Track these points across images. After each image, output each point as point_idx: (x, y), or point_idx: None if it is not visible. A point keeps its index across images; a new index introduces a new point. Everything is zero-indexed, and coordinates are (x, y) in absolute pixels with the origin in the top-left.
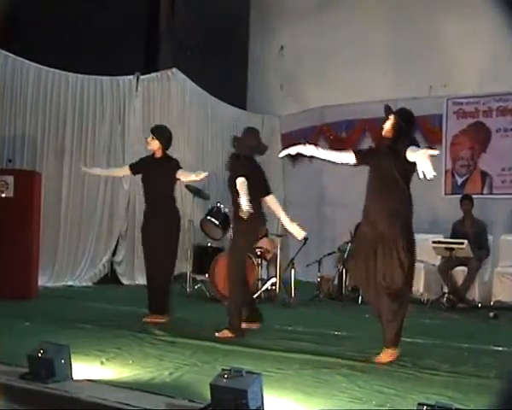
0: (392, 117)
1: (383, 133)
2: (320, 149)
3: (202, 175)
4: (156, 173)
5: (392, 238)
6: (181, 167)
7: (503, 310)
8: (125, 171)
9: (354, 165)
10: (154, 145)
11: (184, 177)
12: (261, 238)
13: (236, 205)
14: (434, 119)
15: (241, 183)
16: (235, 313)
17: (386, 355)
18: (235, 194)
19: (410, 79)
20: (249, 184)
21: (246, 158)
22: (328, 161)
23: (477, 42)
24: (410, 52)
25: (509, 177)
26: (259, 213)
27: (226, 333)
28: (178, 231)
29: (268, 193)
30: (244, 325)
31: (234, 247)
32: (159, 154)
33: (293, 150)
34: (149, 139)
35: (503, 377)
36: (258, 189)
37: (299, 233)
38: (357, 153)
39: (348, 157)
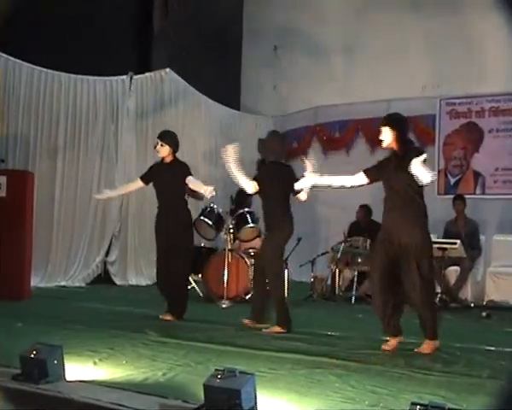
0: (389, 128)
1: (384, 145)
2: (331, 177)
3: (210, 193)
4: (168, 178)
5: (413, 251)
6: (191, 174)
7: (496, 310)
8: (138, 184)
9: (368, 183)
10: (164, 151)
11: (193, 185)
12: (254, 239)
13: (268, 208)
14: (427, 119)
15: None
16: (282, 308)
17: (429, 346)
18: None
19: (403, 80)
20: (269, 186)
21: (270, 162)
22: (341, 186)
23: (469, 42)
24: (403, 52)
25: (501, 177)
26: (288, 214)
27: (277, 329)
28: (192, 232)
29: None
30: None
31: (271, 247)
32: (169, 159)
33: (306, 184)
34: (158, 147)
35: (503, 377)
36: (285, 190)
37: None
38: (368, 172)
39: (360, 179)
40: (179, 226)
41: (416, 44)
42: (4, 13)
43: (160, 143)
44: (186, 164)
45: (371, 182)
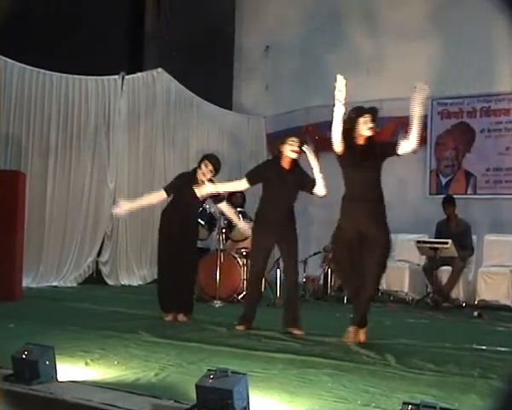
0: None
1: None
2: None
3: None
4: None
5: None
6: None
7: (487, 309)
8: (162, 196)
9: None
10: (209, 174)
11: (226, 212)
12: (246, 239)
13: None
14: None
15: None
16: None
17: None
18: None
19: (394, 80)
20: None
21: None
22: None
23: (461, 43)
24: (395, 52)
25: (492, 177)
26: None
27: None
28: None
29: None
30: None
31: (295, 250)
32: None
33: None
34: (208, 170)
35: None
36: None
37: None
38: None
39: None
40: (190, 227)
41: (408, 44)
42: None
43: (211, 168)
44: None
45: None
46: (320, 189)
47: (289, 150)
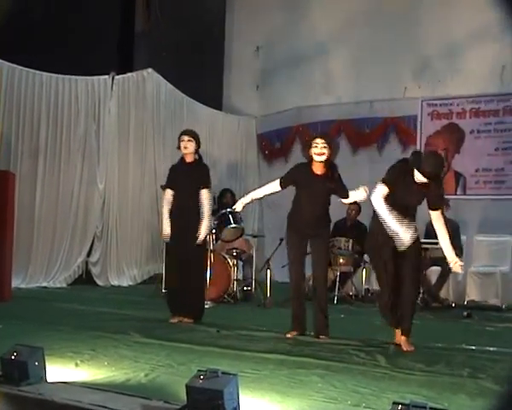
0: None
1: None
2: None
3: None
4: (188, 181)
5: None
6: (208, 183)
7: (477, 309)
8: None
9: None
10: (191, 147)
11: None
12: (237, 239)
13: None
14: (409, 120)
15: None
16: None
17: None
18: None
19: (384, 81)
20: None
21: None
22: None
23: (450, 44)
24: (385, 53)
25: (482, 178)
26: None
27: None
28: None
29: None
30: None
31: (324, 253)
32: (191, 158)
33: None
34: (186, 142)
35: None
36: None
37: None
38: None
39: None
40: (196, 226)
41: (398, 46)
42: None
43: (187, 138)
44: (206, 168)
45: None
46: (353, 198)
47: (315, 154)
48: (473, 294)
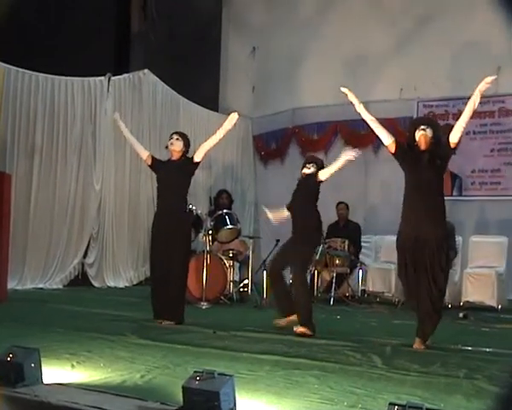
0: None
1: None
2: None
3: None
4: (173, 177)
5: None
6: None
7: (473, 310)
8: (145, 154)
9: (392, 153)
10: (178, 146)
11: (201, 151)
12: (233, 240)
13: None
14: (405, 121)
15: None
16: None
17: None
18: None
19: (380, 82)
20: None
21: None
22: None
23: (446, 45)
24: (381, 54)
25: (477, 179)
26: None
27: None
28: (191, 233)
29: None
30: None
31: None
32: (177, 156)
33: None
34: (173, 140)
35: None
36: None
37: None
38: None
39: (388, 141)
40: (180, 227)
41: (394, 47)
42: None
43: (175, 136)
44: (191, 159)
45: (395, 154)
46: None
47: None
48: (469, 295)
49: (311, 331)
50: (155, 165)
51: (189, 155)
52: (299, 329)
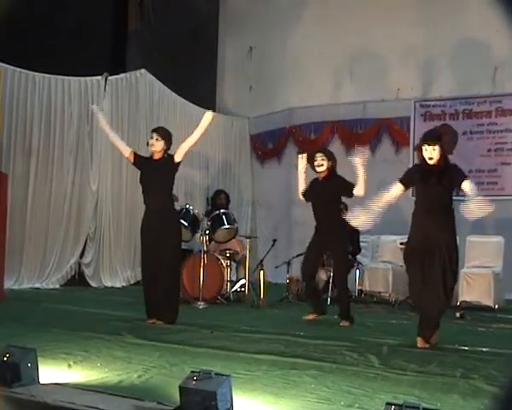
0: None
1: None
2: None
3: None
4: (156, 175)
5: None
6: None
7: (470, 310)
8: (127, 151)
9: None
10: (158, 146)
11: (180, 152)
12: (230, 240)
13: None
14: (402, 121)
15: None
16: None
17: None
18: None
19: (377, 82)
20: None
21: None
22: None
23: (443, 46)
24: (378, 54)
25: (474, 179)
26: None
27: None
28: (181, 231)
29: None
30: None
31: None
32: (159, 155)
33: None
34: (153, 141)
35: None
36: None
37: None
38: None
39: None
40: (169, 226)
41: (391, 47)
42: None
43: (155, 137)
44: (173, 157)
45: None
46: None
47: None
48: (466, 295)
49: (352, 323)
50: (138, 162)
51: (171, 152)
52: (345, 323)
